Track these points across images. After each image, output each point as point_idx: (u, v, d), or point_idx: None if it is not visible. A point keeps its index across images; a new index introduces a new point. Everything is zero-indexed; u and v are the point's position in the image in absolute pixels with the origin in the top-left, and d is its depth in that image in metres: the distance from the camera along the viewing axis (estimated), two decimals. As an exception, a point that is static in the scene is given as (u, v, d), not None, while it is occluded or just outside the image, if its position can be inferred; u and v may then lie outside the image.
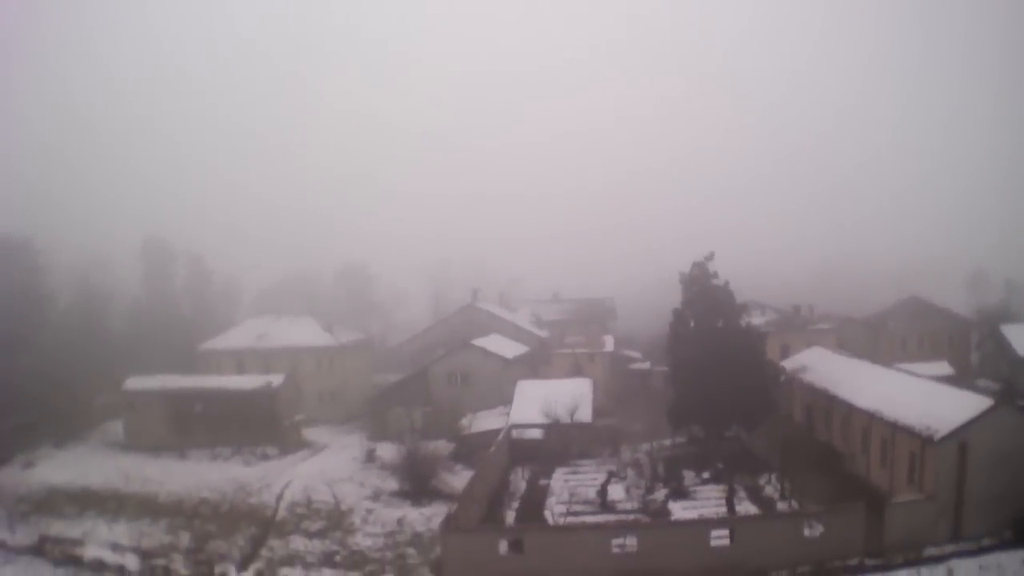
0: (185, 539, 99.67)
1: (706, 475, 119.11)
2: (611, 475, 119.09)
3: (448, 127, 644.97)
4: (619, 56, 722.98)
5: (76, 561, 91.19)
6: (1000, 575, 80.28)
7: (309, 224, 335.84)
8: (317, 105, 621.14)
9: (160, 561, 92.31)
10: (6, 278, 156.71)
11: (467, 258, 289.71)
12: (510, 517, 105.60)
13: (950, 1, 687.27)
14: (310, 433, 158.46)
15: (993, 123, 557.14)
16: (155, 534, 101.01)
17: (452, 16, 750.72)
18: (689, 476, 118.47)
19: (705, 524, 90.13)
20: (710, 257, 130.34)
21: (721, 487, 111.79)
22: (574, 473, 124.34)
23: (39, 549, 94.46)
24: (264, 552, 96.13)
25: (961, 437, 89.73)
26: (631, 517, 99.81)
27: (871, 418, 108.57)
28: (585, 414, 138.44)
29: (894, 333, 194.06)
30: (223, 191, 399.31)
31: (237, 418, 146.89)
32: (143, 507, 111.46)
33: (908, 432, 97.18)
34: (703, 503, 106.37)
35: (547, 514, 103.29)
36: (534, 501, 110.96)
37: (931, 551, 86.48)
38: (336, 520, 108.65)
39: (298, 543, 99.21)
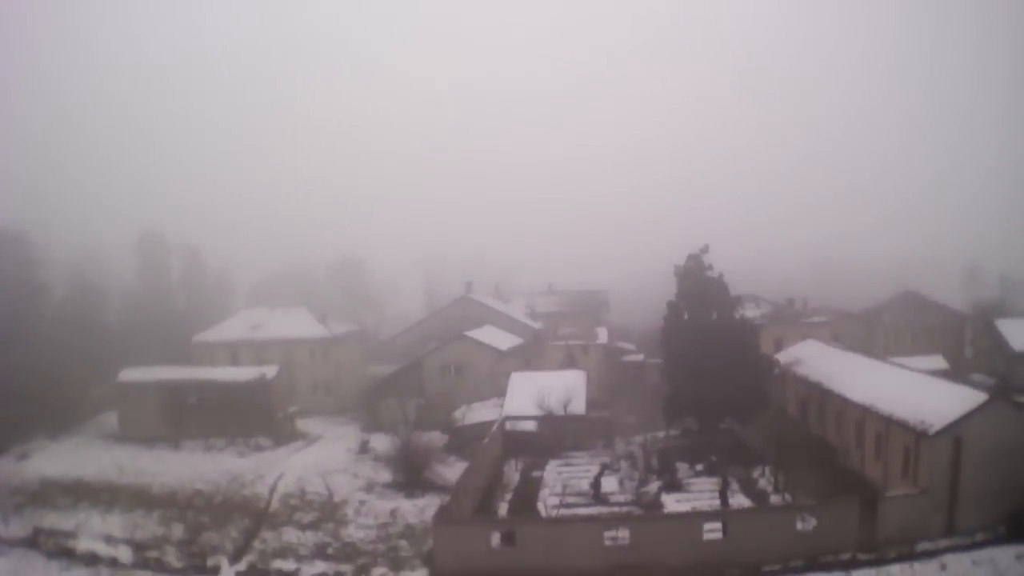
0: (178, 531, 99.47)
1: (699, 468, 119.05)
2: (604, 467, 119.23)
3: (451, 130, 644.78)
4: (625, 61, 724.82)
5: (69, 553, 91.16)
6: (993, 570, 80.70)
7: (304, 221, 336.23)
8: (316, 106, 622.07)
9: (153, 553, 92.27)
10: (1, 272, 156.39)
11: (462, 251, 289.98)
12: (503, 509, 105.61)
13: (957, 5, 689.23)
14: (304, 424, 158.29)
15: (991, 121, 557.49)
16: (148, 526, 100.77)
17: (455, 17, 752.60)
18: (682, 469, 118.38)
19: (698, 517, 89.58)
20: (705, 250, 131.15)
21: (714, 480, 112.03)
22: (567, 465, 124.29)
23: (33, 541, 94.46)
24: (257, 544, 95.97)
25: (956, 431, 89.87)
26: (624, 510, 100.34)
27: (865, 412, 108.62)
28: (579, 406, 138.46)
29: (889, 327, 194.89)
30: (218, 189, 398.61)
31: (231, 409, 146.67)
32: (137, 499, 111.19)
33: (902, 426, 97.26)
34: (696, 496, 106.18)
35: (540, 506, 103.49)
36: (527, 493, 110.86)
37: (924, 546, 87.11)
38: (329, 512, 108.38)
39: (291, 535, 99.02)
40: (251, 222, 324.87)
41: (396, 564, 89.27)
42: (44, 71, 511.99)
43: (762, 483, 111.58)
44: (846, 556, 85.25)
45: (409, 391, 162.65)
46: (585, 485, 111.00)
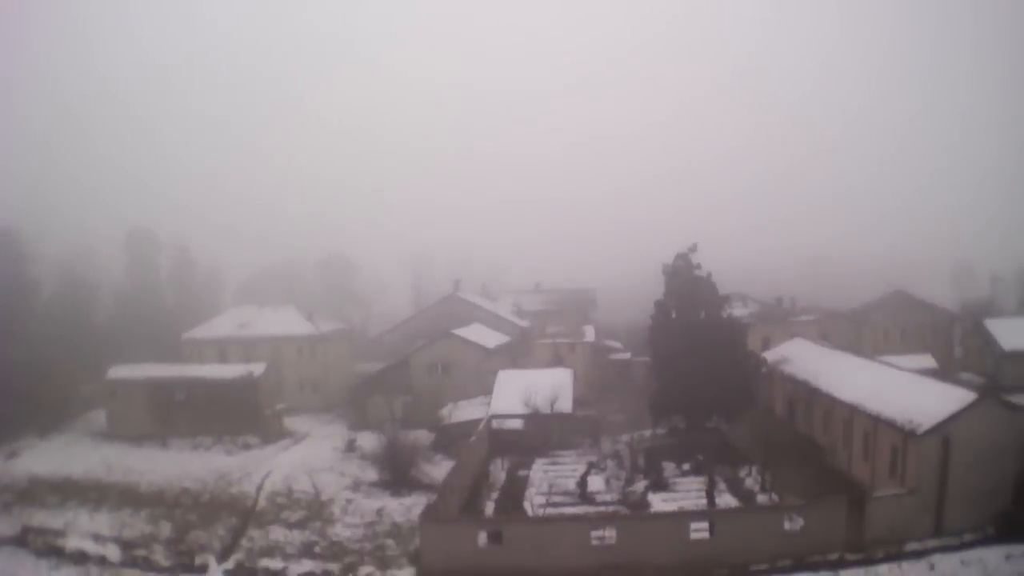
0: (166, 529, 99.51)
1: (686, 467, 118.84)
2: (591, 466, 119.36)
3: (444, 130, 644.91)
4: (620, 63, 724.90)
5: (58, 552, 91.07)
6: (983, 570, 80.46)
7: (293, 218, 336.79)
8: (311, 105, 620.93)
9: (141, 552, 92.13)
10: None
11: (450, 249, 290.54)
12: (489, 508, 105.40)
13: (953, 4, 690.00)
14: (291, 422, 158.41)
15: (986, 122, 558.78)
16: (136, 524, 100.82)
17: (453, 18, 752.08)
18: (669, 468, 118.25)
19: (685, 517, 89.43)
20: (693, 248, 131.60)
21: (701, 479, 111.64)
22: (554, 464, 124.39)
23: (22, 540, 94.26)
24: (244, 542, 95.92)
25: (944, 431, 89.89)
26: (611, 509, 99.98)
27: (853, 411, 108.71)
28: (565, 404, 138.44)
29: (877, 326, 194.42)
30: (208, 186, 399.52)
31: (219, 407, 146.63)
32: (125, 497, 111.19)
33: (890, 425, 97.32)
34: (683, 495, 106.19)
35: (527, 505, 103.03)
36: (514, 492, 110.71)
37: (913, 546, 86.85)
38: (316, 510, 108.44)
39: (278, 533, 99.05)
40: (241, 219, 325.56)
41: (383, 563, 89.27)
42: (41, 70, 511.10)
43: (749, 482, 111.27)
44: (834, 556, 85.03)
45: (396, 389, 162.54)
46: (572, 484, 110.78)
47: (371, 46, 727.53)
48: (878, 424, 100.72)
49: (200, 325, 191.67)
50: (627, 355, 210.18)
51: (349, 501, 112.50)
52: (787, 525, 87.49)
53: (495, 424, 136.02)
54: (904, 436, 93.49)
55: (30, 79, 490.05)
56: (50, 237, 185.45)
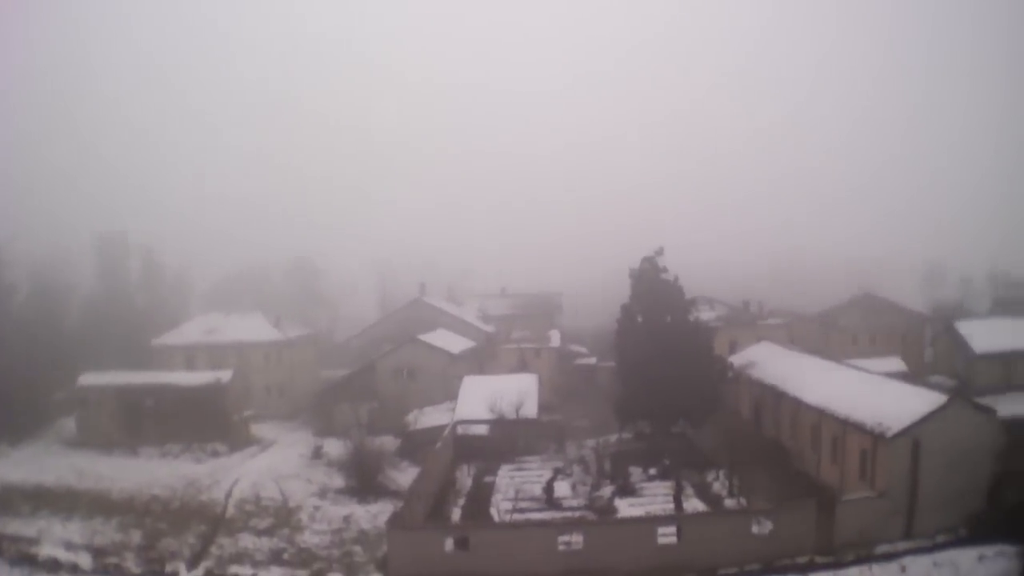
0: (136, 537, 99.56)
1: (653, 472, 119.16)
2: (557, 472, 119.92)
3: (413, 134, 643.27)
4: (597, 69, 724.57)
5: (31, 560, 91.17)
6: (955, 572, 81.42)
7: (260, 221, 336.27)
8: (278, 107, 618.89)
9: (113, 559, 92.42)
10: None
11: (415, 253, 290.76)
12: (456, 514, 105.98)
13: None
14: (258, 429, 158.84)
15: (960, 127, 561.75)
16: (107, 532, 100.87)
17: (435, 21, 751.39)
18: (636, 472, 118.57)
19: (652, 521, 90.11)
20: (659, 252, 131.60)
21: (668, 484, 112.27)
22: (520, 470, 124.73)
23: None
24: (214, 550, 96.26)
25: (914, 434, 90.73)
26: (577, 514, 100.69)
27: (821, 414, 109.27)
28: (531, 410, 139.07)
29: (846, 329, 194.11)
30: (177, 187, 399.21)
31: (187, 414, 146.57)
32: (96, 505, 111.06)
33: (859, 429, 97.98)
34: (650, 500, 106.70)
35: (493, 511, 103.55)
36: (480, 498, 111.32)
37: (883, 548, 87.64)
38: (284, 517, 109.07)
39: (247, 541, 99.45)
40: (208, 221, 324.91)
41: (351, 570, 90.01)
42: (11, 68, 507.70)
43: (716, 487, 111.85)
44: (803, 560, 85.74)
45: (362, 395, 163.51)
46: (538, 490, 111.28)
47: (347, 48, 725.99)
48: (847, 427, 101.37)
49: (169, 331, 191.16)
50: (593, 360, 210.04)
51: (316, 508, 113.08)
52: (755, 529, 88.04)
53: (460, 430, 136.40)
54: (874, 439, 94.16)
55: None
56: (22, 239, 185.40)
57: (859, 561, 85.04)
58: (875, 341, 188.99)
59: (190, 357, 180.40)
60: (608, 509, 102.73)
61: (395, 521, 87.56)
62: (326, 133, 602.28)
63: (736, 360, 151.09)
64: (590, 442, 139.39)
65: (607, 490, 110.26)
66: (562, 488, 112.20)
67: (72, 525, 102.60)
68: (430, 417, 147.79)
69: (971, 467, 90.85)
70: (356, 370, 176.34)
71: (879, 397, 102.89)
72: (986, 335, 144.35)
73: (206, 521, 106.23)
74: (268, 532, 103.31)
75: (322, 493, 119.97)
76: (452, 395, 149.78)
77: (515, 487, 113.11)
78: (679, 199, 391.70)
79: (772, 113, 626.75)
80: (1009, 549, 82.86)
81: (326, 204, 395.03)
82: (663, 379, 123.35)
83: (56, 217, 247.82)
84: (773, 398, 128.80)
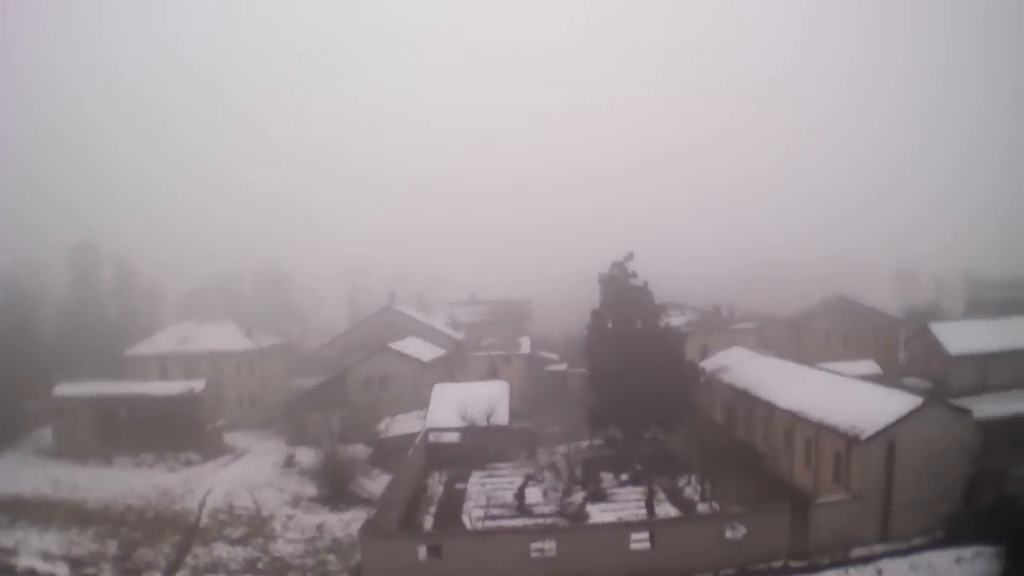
0: (113, 547, 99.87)
1: (624, 477, 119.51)
2: (528, 478, 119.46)
3: (383, 145, 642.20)
4: (561, 55, 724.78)
5: (10, 571, 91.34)
6: (932, 574, 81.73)
7: (230, 228, 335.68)
8: (252, 120, 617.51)
9: (90, 570, 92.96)
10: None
11: (385, 261, 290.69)
12: (428, 522, 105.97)
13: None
14: (231, 438, 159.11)
15: (933, 127, 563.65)
16: (84, 543, 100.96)
17: (407, 35, 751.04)
18: (607, 478, 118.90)
19: (625, 527, 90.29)
20: (629, 257, 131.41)
21: (640, 489, 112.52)
22: (491, 476, 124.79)
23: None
24: (189, 559, 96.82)
25: (889, 436, 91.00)
26: (549, 521, 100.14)
27: (794, 418, 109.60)
28: (502, 417, 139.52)
29: (818, 332, 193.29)
30: (152, 196, 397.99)
31: (161, 424, 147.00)
32: (72, 515, 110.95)
33: (833, 432, 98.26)
34: (622, 506, 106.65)
35: (465, 518, 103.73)
36: (452, 505, 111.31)
37: (859, 551, 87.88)
38: (257, 527, 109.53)
39: (221, 550, 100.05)
40: (181, 231, 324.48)
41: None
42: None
43: (689, 492, 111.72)
44: (778, 564, 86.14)
45: (334, 403, 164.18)
46: (509, 497, 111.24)
47: (323, 67, 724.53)
48: (820, 431, 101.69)
49: (142, 341, 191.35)
50: (563, 366, 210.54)
51: (290, 517, 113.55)
52: (729, 534, 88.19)
53: (432, 438, 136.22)
54: (848, 442, 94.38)
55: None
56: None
57: (835, 564, 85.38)
58: (848, 344, 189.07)
59: (163, 367, 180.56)
60: (580, 515, 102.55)
61: (368, 529, 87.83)
62: (297, 145, 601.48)
63: (708, 365, 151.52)
64: (561, 448, 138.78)
65: (579, 496, 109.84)
66: (534, 495, 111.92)
67: (49, 536, 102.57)
68: (401, 425, 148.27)
69: (947, 469, 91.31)
70: (327, 379, 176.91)
71: (853, 400, 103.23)
72: (961, 337, 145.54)
73: (181, 531, 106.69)
74: (242, 541, 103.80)
75: (295, 502, 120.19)
76: (423, 403, 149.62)
77: (487, 494, 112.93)
78: (649, 205, 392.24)
79: (737, 116, 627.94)
80: (987, 550, 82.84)
81: (296, 213, 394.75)
82: (634, 385, 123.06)
83: (28, 226, 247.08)
84: (745, 402, 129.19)
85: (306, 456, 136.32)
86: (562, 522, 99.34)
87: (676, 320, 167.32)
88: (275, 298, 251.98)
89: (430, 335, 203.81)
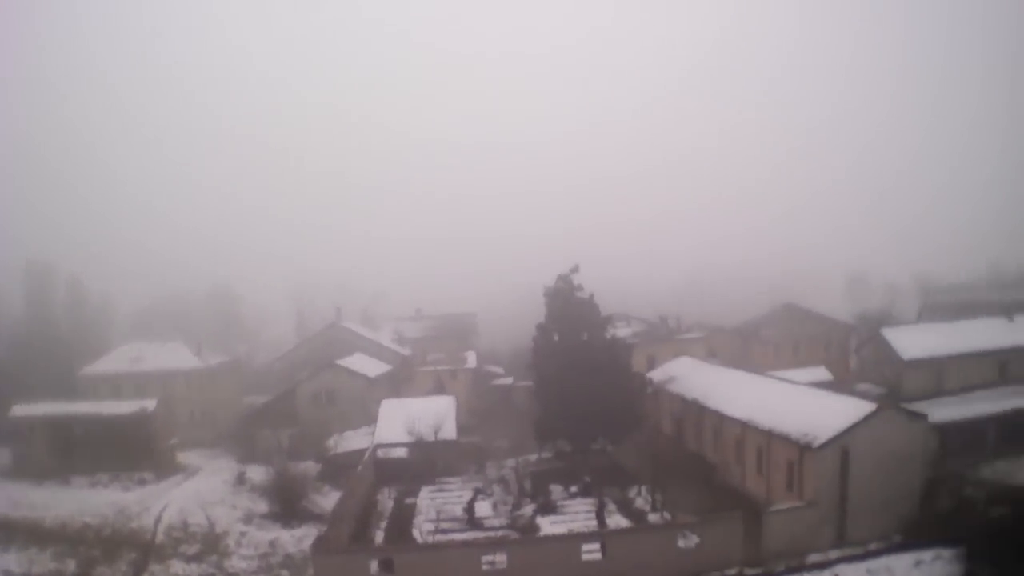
0: (72, 566, 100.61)
1: (574, 489, 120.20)
2: (477, 492, 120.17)
3: (330, 162, 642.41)
4: (508, 64, 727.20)
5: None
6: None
7: (178, 246, 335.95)
8: (202, 139, 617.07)
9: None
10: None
11: (330, 276, 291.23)
12: (379, 537, 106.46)
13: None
14: (183, 456, 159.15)
15: (872, 129, 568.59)
16: (43, 561, 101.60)
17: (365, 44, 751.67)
18: (557, 491, 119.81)
19: (576, 538, 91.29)
20: (575, 270, 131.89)
21: (590, 501, 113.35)
22: (440, 491, 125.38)
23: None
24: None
25: (842, 442, 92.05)
26: (500, 534, 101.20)
27: (744, 427, 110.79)
28: (449, 431, 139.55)
29: (768, 340, 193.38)
30: (103, 215, 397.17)
31: (115, 443, 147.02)
32: (31, 535, 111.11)
33: (785, 440, 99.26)
34: (572, 517, 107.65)
35: (416, 533, 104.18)
36: (402, 520, 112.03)
37: (815, 557, 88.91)
38: (212, 543, 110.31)
39: (177, 567, 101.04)
40: (132, 250, 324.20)
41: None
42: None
43: (639, 502, 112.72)
44: (732, 572, 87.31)
45: (283, 420, 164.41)
46: (459, 510, 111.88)
47: (281, 82, 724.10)
48: (772, 439, 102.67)
49: (94, 360, 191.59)
50: (509, 380, 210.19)
51: (243, 534, 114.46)
52: (682, 543, 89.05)
53: (380, 453, 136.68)
54: (800, 450, 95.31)
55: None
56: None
57: (790, 571, 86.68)
58: (798, 351, 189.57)
59: (116, 386, 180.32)
60: (530, 528, 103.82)
61: (320, 545, 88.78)
62: (246, 162, 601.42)
63: (655, 376, 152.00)
64: (510, 462, 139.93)
65: (528, 509, 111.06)
66: (483, 508, 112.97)
67: (9, 556, 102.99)
68: (350, 441, 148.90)
69: (903, 473, 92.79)
70: (276, 396, 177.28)
71: (805, 407, 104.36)
72: (914, 341, 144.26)
73: (137, 548, 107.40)
74: (197, 558, 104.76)
75: (247, 518, 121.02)
76: (371, 419, 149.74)
77: (437, 508, 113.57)
78: (594, 217, 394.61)
79: (682, 129, 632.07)
80: (947, 552, 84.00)
81: (242, 230, 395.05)
82: (581, 397, 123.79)
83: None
84: (695, 412, 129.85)
85: (257, 473, 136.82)
86: (512, 535, 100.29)
87: (622, 331, 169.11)
88: (224, 315, 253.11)
89: (377, 351, 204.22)
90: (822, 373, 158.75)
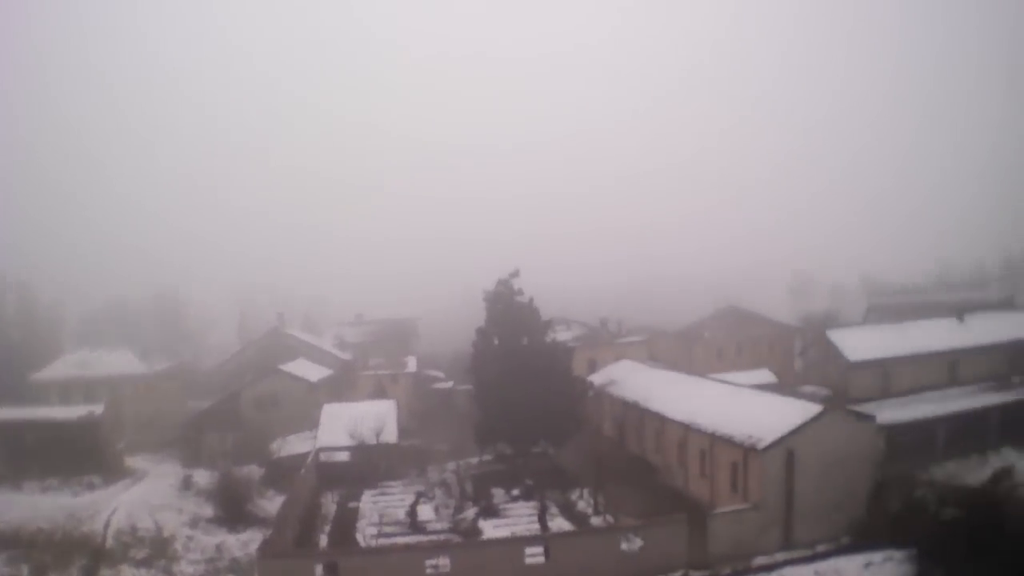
0: (25, 571, 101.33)
1: (516, 492, 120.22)
2: (420, 495, 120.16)
3: (273, 162, 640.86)
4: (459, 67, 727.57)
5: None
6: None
7: (122, 251, 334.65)
8: (145, 140, 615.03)
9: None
10: None
11: (273, 282, 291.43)
12: (323, 540, 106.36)
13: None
14: (131, 461, 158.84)
15: (817, 131, 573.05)
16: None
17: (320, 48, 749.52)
18: (498, 494, 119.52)
19: (519, 542, 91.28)
20: (515, 274, 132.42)
21: (532, 504, 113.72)
22: (383, 494, 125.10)
23: None
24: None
25: (787, 444, 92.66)
26: (442, 537, 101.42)
27: (687, 430, 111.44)
28: (390, 435, 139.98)
29: (710, 343, 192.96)
30: (49, 220, 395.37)
31: (64, 448, 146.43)
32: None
33: (728, 442, 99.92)
34: (515, 521, 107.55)
35: (359, 536, 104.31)
36: (345, 523, 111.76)
37: (762, 560, 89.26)
38: (160, 548, 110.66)
39: (127, 573, 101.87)
40: (76, 256, 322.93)
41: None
42: None
43: (581, 505, 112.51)
44: (677, 574, 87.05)
45: (227, 424, 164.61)
46: (401, 514, 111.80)
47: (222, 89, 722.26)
48: (715, 441, 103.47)
49: (44, 367, 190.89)
50: (449, 384, 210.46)
51: (190, 538, 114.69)
52: (625, 546, 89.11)
53: (323, 457, 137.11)
54: (745, 452, 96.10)
55: None
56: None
57: (736, 574, 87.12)
58: (741, 353, 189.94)
59: (66, 392, 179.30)
60: (472, 531, 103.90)
61: (265, 549, 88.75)
62: (187, 166, 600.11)
63: (596, 379, 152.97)
64: (451, 465, 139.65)
65: (470, 512, 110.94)
66: (425, 512, 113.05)
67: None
68: (293, 445, 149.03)
69: (850, 475, 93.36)
70: (220, 400, 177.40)
71: (749, 409, 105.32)
72: (860, 343, 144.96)
73: (88, 553, 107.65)
74: (146, 563, 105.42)
75: (193, 523, 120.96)
76: (314, 423, 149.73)
77: (379, 512, 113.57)
78: (536, 221, 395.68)
79: (622, 132, 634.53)
80: (898, 554, 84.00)
81: (186, 235, 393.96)
82: (521, 400, 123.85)
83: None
84: (636, 415, 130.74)
85: (203, 477, 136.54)
86: (455, 538, 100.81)
87: (563, 335, 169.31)
88: (169, 319, 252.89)
89: (319, 356, 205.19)
90: (766, 375, 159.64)
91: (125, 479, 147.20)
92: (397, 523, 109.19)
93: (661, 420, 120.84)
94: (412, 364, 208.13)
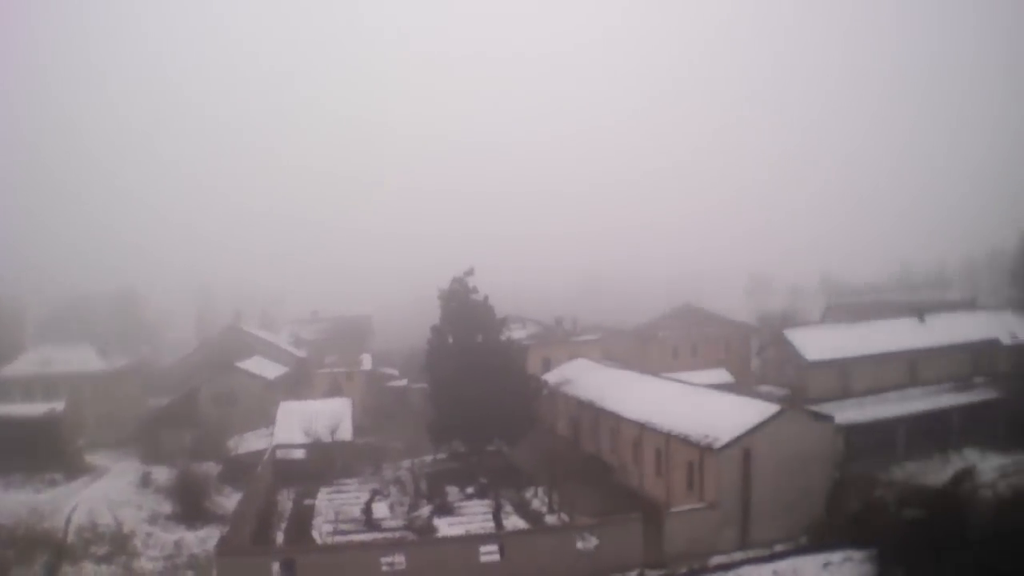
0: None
1: (470, 490, 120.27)
2: (375, 493, 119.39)
3: (227, 161, 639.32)
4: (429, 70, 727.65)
5: None
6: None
7: (82, 248, 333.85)
8: (103, 137, 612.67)
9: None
10: None
11: (229, 278, 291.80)
12: (280, 538, 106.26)
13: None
14: (91, 457, 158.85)
15: (769, 131, 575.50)
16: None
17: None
18: (453, 492, 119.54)
19: (474, 540, 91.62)
20: (469, 272, 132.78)
21: (486, 502, 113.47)
22: (338, 492, 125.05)
23: None
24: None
25: (744, 444, 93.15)
26: (397, 535, 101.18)
27: (642, 429, 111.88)
28: (345, 432, 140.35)
29: (666, 342, 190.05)
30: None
31: (27, 445, 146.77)
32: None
33: (684, 442, 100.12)
34: (469, 519, 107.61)
35: (315, 534, 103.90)
36: (301, 521, 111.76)
37: (719, 559, 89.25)
38: (120, 544, 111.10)
39: (89, 569, 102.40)
40: (37, 253, 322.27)
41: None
42: None
43: (536, 504, 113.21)
44: (633, 573, 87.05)
45: (185, 421, 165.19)
46: (357, 511, 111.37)
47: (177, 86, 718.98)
48: (671, 441, 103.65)
49: (6, 364, 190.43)
50: (404, 382, 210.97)
51: (149, 534, 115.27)
52: (580, 544, 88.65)
53: (279, 454, 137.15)
54: (701, 452, 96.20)
55: None
56: None
57: (692, 573, 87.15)
58: (697, 352, 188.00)
59: (28, 389, 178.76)
60: (427, 529, 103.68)
61: (223, 546, 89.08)
62: (150, 163, 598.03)
63: (551, 378, 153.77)
64: (406, 463, 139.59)
65: (425, 510, 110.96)
66: (381, 509, 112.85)
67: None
68: (250, 442, 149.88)
69: (808, 475, 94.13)
70: (178, 397, 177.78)
71: (704, 409, 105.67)
72: (818, 343, 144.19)
73: (50, 548, 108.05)
74: (107, 559, 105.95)
75: (152, 519, 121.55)
76: (271, 420, 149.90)
77: (335, 509, 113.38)
78: (492, 219, 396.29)
79: (576, 134, 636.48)
80: (857, 554, 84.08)
81: (145, 231, 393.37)
82: (475, 398, 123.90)
83: None
84: (591, 414, 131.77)
85: (161, 474, 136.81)
86: (410, 536, 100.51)
87: (518, 333, 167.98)
88: (128, 316, 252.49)
89: (275, 353, 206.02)
90: (723, 375, 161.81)
91: (86, 476, 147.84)
92: (353, 520, 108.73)
93: (616, 419, 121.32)
94: (367, 362, 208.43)
